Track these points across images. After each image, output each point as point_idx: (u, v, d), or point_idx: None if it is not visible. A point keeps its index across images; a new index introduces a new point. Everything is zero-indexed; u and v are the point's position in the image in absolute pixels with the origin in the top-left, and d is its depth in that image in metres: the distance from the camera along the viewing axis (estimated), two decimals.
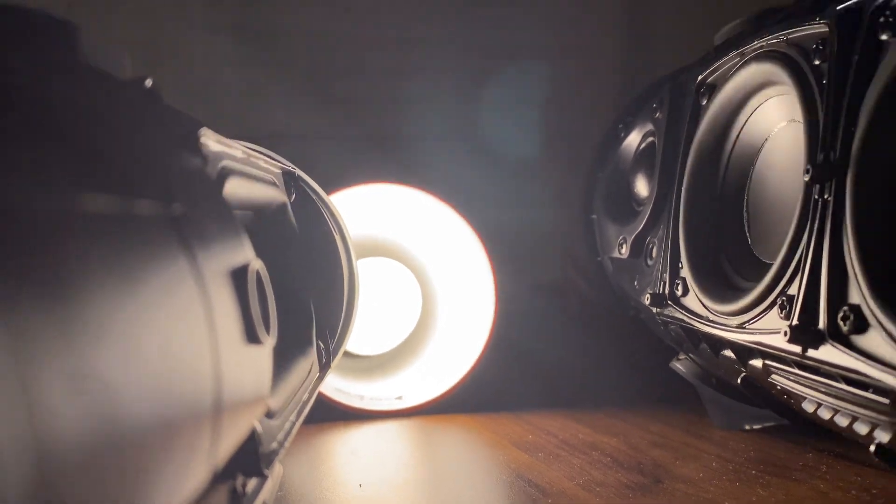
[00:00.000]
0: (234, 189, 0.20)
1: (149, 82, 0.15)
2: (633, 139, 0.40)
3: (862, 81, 0.22)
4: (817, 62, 0.25)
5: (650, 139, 0.38)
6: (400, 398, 0.40)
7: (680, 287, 0.32)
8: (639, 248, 0.37)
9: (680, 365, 0.37)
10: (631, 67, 0.73)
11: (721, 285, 0.30)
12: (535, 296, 0.63)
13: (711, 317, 0.29)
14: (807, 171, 0.23)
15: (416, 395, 0.40)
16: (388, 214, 0.43)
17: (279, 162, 0.32)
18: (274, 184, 0.26)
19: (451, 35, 0.65)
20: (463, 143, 0.67)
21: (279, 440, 0.20)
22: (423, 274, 0.44)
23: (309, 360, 0.27)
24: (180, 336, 0.11)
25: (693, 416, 0.39)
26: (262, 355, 0.15)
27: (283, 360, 0.24)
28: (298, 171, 0.33)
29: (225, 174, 0.19)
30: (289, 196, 0.28)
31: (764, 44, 0.28)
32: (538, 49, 0.65)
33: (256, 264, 0.15)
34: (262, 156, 0.28)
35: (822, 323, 0.22)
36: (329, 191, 0.43)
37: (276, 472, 0.24)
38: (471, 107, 0.67)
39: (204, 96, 0.59)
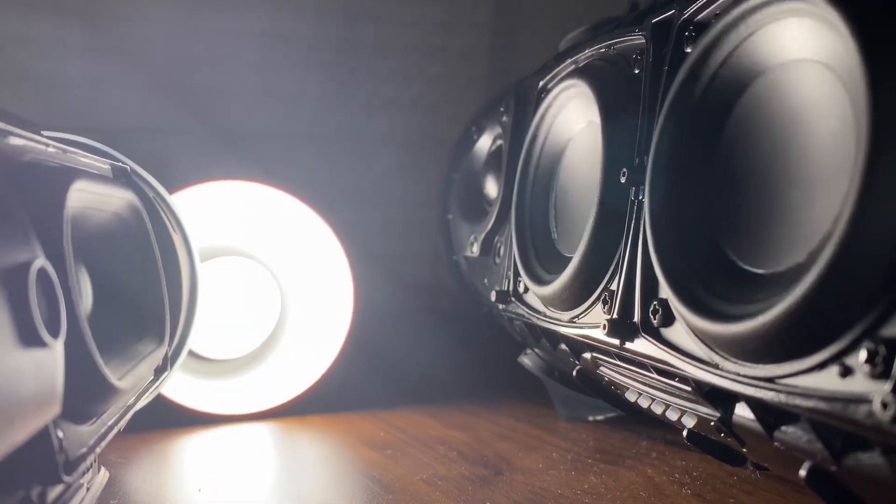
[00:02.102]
0: (45, 185, 0.20)
1: None
2: (485, 141, 0.41)
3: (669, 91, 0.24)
4: (636, 71, 0.27)
5: (499, 142, 0.39)
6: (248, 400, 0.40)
7: (522, 284, 0.33)
8: (488, 246, 0.38)
9: (526, 359, 0.38)
10: (499, 72, 0.75)
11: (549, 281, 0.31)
12: (397, 296, 0.64)
13: (547, 312, 0.31)
14: (623, 174, 0.25)
15: (269, 398, 0.40)
16: (246, 213, 0.43)
17: (112, 158, 0.31)
18: (106, 179, 0.25)
19: (323, 31, 0.64)
20: (328, 142, 0.67)
21: (90, 445, 0.19)
22: (281, 275, 0.43)
23: (140, 364, 0.26)
24: None
25: (541, 408, 0.41)
26: (49, 357, 0.14)
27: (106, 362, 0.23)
28: (133, 166, 0.32)
29: (28, 168, 0.18)
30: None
31: (593, 53, 0.30)
32: (410, 49, 0.66)
33: (40, 263, 0.14)
34: (88, 152, 0.26)
35: (636, 317, 0.24)
36: (179, 187, 0.41)
37: (98, 477, 0.23)
38: (337, 105, 0.66)
39: (50, 86, 0.56)
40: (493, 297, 0.35)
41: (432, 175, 0.74)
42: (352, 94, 0.71)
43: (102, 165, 0.26)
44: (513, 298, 0.34)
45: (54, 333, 0.14)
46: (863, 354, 0.15)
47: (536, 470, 0.31)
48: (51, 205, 0.19)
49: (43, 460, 0.16)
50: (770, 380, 0.18)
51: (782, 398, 0.18)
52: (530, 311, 0.32)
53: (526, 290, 0.33)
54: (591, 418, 0.39)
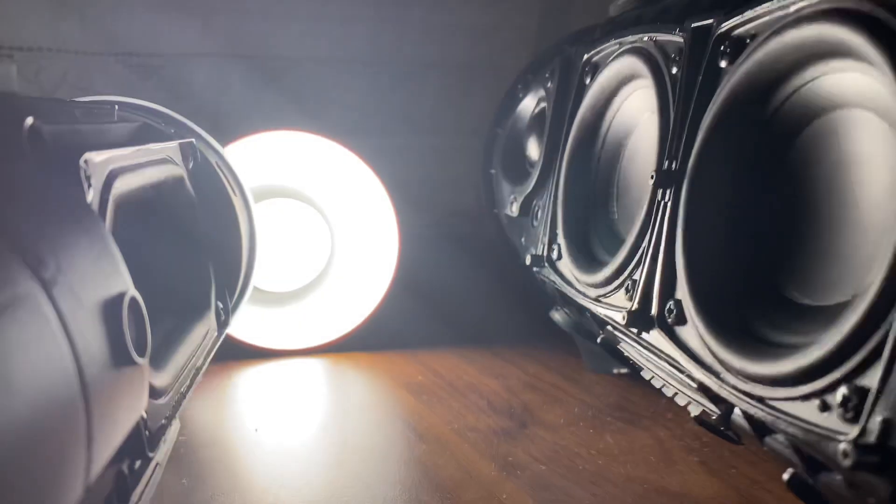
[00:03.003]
0: (125, 185, 0.22)
1: (29, 121, 0.16)
2: (529, 102, 0.42)
3: (703, 102, 0.25)
4: (674, 70, 0.27)
5: (542, 105, 0.40)
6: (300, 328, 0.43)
7: (556, 251, 0.35)
8: (527, 208, 0.39)
9: (557, 315, 0.41)
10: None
11: (587, 256, 0.33)
12: (442, 224, 0.66)
13: (576, 284, 0.33)
14: (652, 177, 0.26)
15: (320, 334, 0.43)
16: (297, 159, 0.45)
17: (180, 127, 0.33)
18: (169, 160, 0.27)
19: None
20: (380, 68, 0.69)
21: (167, 416, 0.22)
22: (329, 215, 0.45)
23: (206, 325, 0.29)
24: (44, 376, 0.13)
25: (570, 357, 0.43)
26: (138, 372, 0.17)
27: (178, 332, 0.26)
28: (198, 131, 0.34)
29: (111, 182, 0.20)
30: (186, 166, 0.30)
31: (636, 40, 0.30)
32: None
33: (131, 293, 0.16)
34: (155, 118, 0.29)
35: (654, 310, 0.26)
36: (229, 140, 0.43)
37: (173, 428, 0.27)
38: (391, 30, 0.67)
39: (114, 13, 0.58)
40: (527, 260, 0.37)
41: (482, 101, 0.75)
42: (405, 19, 0.72)
43: (171, 146, 0.28)
44: (546, 264, 0.36)
45: (141, 353, 0.17)
46: (839, 396, 0.17)
47: (558, 425, 0.34)
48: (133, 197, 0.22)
49: (133, 442, 0.19)
50: (761, 399, 0.20)
51: (769, 418, 0.20)
52: (561, 279, 0.34)
53: (559, 256, 0.35)
54: (615, 371, 0.41)
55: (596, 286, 0.31)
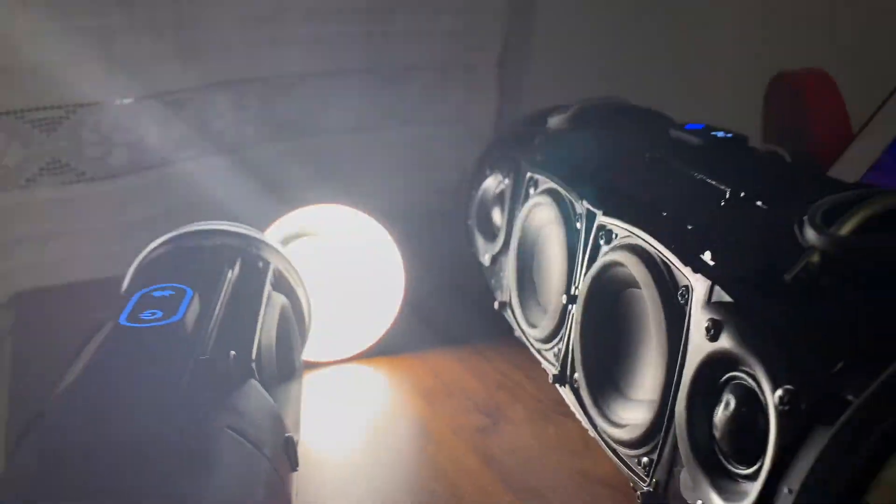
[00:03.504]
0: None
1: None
2: (494, 181, 0.57)
3: (591, 260, 0.40)
4: (578, 225, 0.43)
5: (502, 187, 0.55)
6: None
7: (512, 308, 0.52)
8: (495, 262, 0.55)
9: None
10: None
11: (532, 315, 0.49)
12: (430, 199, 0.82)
13: (528, 334, 0.49)
14: (564, 297, 0.42)
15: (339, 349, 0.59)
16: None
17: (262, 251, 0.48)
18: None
19: None
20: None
21: None
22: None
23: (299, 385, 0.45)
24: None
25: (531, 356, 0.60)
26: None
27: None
28: (267, 242, 0.49)
29: None
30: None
31: (557, 185, 0.46)
32: None
33: (287, 434, 0.33)
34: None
35: (567, 377, 0.43)
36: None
37: None
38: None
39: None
40: (496, 305, 0.54)
41: (458, 93, 0.92)
42: (390, 29, 0.87)
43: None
44: (507, 308, 0.53)
45: (295, 468, 0.33)
46: (644, 461, 0.35)
47: (518, 420, 0.52)
48: None
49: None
50: (615, 451, 0.37)
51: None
52: (518, 327, 0.51)
53: (514, 312, 0.51)
54: None
55: (537, 340, 0.48)
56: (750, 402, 0.26)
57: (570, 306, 0.42)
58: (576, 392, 0.42)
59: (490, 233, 0.56)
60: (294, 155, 0.85)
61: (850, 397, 0.23)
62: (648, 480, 0.34)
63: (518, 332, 0.51)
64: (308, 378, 0.56)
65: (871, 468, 0.22)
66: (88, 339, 0.35)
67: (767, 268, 0.28)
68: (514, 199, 0.51)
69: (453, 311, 0.63)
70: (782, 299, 0.27)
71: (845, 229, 0.27)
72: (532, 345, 0.48)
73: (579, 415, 0.41)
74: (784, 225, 0.29)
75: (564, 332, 0.43)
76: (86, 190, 0.72)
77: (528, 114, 0.57)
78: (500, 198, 0.55)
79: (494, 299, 0.55)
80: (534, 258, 0.49)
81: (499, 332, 0.56)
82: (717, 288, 0.29)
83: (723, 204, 0.33)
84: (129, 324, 0.32)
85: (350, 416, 0.52)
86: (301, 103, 0.86)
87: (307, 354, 0.57)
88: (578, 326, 0.40)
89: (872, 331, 0.24)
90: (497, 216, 0.56)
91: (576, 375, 0.41)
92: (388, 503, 0.43)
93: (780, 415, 0.24)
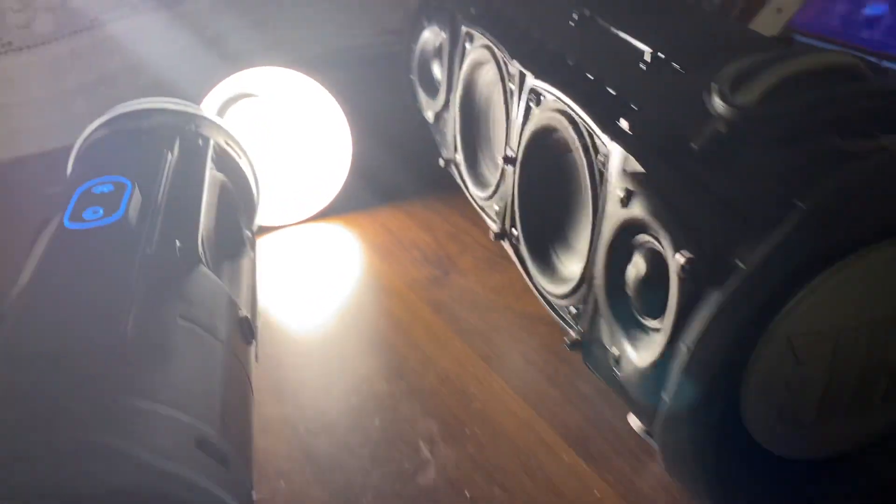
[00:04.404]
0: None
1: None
2: (431, 34, 0.56)
3: (525, 120, 0.41)
4: (511, 87, 0.43)
5: (440, 41, 0.54)
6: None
7: (458, 164, 0.53)
8: (438, 118, 0.56)
9: None
10: None
11: (477, 174, 0.51)
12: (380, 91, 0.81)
13: (471, 191, 0.51)
14: (503, 158, 0.43)
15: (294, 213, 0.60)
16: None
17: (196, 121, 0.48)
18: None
19: None
20: None
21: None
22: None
23: (250, 254, 0.47)
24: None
25: None
26: (251, 345, 0.36)
27: (247, 271, 0.45)
28: (211, 121, 0.49)
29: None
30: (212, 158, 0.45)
31: (493, 42, 0.45)
32: None
33: (243, 313, 0.35)
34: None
35: (508, 230, 0.45)
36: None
37: None
38: None
39: None
40: (441, 162, 0.55)
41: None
42: None
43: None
44: (452, 166, 0.54)
45: (249, 340, 0.36)
46: (573, 311, 0.38)
47: (467, 270, 0.54)
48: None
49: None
50: (549, 302, 0.40)
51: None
52: (463, 184, 0.52)
53: (458, 168, 0.52)
54: None
55: (481, 198, 0.49)
56: (656, 263, 0.29)
57: (507, 166, 0.43)
58: (515, 247, 0.44)
59: (432, 88, 0.56)
60: (230, 5, 0.82)
61: (741, 264, 0.25)
62: (575, 327, 0.37)
63: (463, 187, 0.52)
64: (265, 241, 0.58)
65: (756, 330, 0.25)
66: (36, 236, 0.36)
67: (678, 136, 0.29)
68: (452, 54, 0.51)
69: (402, 166, 0.64)
70: (689, 169, 0.29)
71: (751, 97, 0.28)
72: (475, 202, 0.50)
73: (519, 267, 0.44)
74: (697, 90, 0.30)
75: (504, 190, 0.45)
76: (15, 60, 0.70)
77: None
78: (439, 51, 0.55)
79: (440, 157, 0.56)
80: (474, 116, 0.49)
81: (451, 184, 0.58)
82: (629, 156, 0.31)
83: (642, 66, 0.34)
84: (73, 225, 0.33)
85: (308, 274, 0.55)
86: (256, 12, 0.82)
87: (267, 219, 0.58)
88: (516, 186, 0.42)
89: (772, 199, 0.26)
90: (437, 71, 0.56)
91: (515, 232, 0.43)
92: (347, 355, 0.47)
93: (680, 280, 0.27)
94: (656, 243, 0.29)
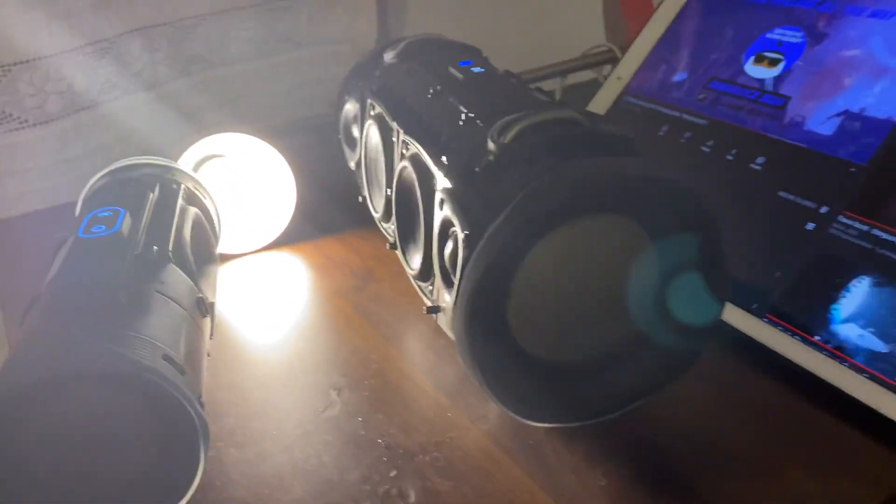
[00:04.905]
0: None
1: None
2: (351, 105, 0.74)
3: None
4: (397, 143, 0.61)
5: (355, 111, 0.72)
6: None
7: (366, 195, 0.70)
8: (358, 167, 0.74)
9: None
10: None
11: (375, 203, 0.68)
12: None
13: (376, 218, 0.68)
14: (386, 192, 0.61)
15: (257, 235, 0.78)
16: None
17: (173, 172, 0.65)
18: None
19: None
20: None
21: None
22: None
23: (214, 269, 0.64)
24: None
25: None
26: (208, 317, 0.53)
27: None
28: (186, 174, 0.67)
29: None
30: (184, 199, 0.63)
31: (380, 112, 0.63)
32: None
33: (198, 294, 0.52)
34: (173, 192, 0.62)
35: (396, 243, 0.62)
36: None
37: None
38: None
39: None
40: (360, 199, 0.72)
41: (344, 16, 1.08)
42: None
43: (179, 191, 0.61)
44: (366, 202, 0.71)
45: (205, 314, 0.52)
46: (428, 288, 0.54)
47: (383, 279, 0.71)
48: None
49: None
50: (414, 278, 0.57)
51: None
52: (371, 212, 0.70)
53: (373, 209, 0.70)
54: None
55: (379, 219, 0.67)
56: (456, 242, 0.46)
57: (392, 196, 0.61)
58: (400, 252, 0.61)
59: (353, 144, 0.74)
60: (204, 86, 1.01)
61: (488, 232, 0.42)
62: (431, 298, 0.54)
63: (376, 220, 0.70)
64: (229, 266, 0.75)
65: (504, 271, 0.42)
66: (58, 249, 0.53)
67: (469, 164, 0.47)
68: (362, 119, 0.69)
69: (338, 206, 0.82)
70: (473, 184, 0.46)
71: (508, 138, 0.46)
72: (380, 225, 0.67)
73: (405, 266, 0.61)
74: (484, 135, 0.48)
75: (391, 214, 0.62)
76: (29, 134, 0.88)
77: (375, 48, 0.73)
78: (355, 117, 0.73)
79: (360, 195, 0.73)
80: (374, 163, 0.67)
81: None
82: (445, 178, 0.48)
83: (460, 122, 0.52)
84: (85, 236, 0.50)
85: (261, 289, 0.71)
86: (205, 41, 1.01)
87: (226, 249, 0.76)
88: (395, 210, 0.59)
89: (508, 196, 0.43)
90: (355, 131, 0.74)
91: (398, 243, 0.61)
92: (286, 339, 0.63)
93: (463, 247, 0.44)
94: (458, 230, 0.46)
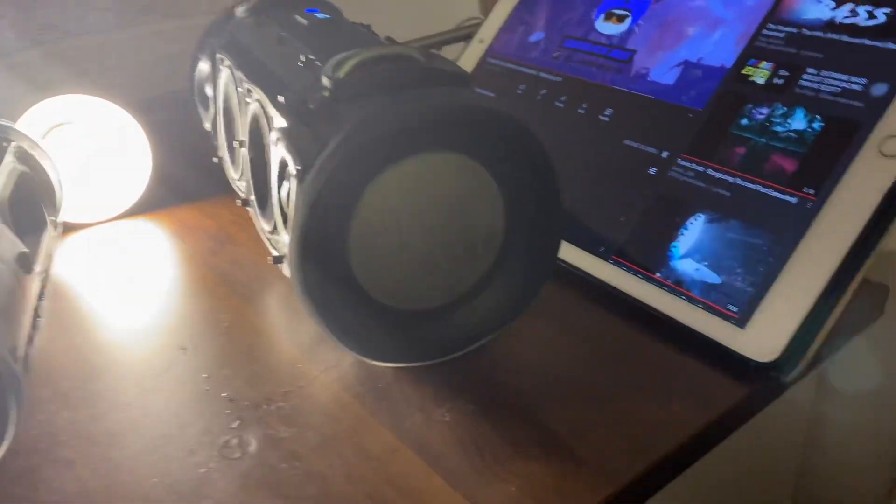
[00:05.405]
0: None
1: None
2: (204, 63, 0.71)
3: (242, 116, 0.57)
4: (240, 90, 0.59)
5: (208, 68, 0.70)
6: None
7: (223, 156, 0.68)
8: (213, 127, 0.71)
9: None
10: None
11: (232, 161, 0.66)
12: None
13: (229, 177, 0.66)
14: (238, 143, 0.59)
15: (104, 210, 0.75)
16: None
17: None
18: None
19: None
20: None
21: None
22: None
23: (52, 234, 0.60)
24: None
25: None
26: (33, 276, 0.49)
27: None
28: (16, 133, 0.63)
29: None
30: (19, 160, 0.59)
31: (231, 64, 0.61)
32: None
33: (20, 249, 0.48)
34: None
35: (248, 199, 0.60)
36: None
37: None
38: None
39: None
40: (215, 160, 0.70)
41: None
42: None
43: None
44: (221, 162, 0.69)
45: (28, 270, 0.49)
46: (273, 243, 0.53)
47: (242, 242, 0.69)
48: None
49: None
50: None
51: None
52: (227, 172, 0.68)
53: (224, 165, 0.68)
54: None
55: (235, 179, 0.65)
56: (291, 181, 0.45)
57: (241, 149, 0.59)
58: (252, 207, 0.59)
59: (206, 103, 0.72)
60: (58, 57, 0.95)
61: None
62: (275, 249, 0.52)
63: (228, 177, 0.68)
64: (82, 235, 0.71)
65: (340, 209, 0.41)
66: None
67: (304, 102, 0.46)
68: (214, 76, 0.67)
69: (197, 173, 0.79)
70: (307, 121, 0.45)
71: (343, 72, 0.45)
72: (234, 184, 0.65)
73: (256, 223, 0.59)
74: (320, 74, 0.47)
75: (243, 167, 0.60)
76: None
77: (228, 6, 0.71)
78: (209, 76, 0.70)
79: (215, 156, 0.71)
80: (225, 119, 0.65)
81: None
82: (281, 118, 0.47)
83: (300, 64, 0.50)
84: None
85: (113, 257, 0.68)
86: (58, 8, 0.95)
87: (79, 218, 0.72)
88: (246, 161, 0.57)
89: (346, 128, 0.42)
90: (209, 90, 0.71)
91: (251, 198, 0.59)
92: (137, 311, 0.60)
93: (296, 182, 0.43)
94: (291, 167, 0.45)
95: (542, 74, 0.71)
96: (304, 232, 0.41)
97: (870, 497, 0.79)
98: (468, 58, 0.79)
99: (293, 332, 0.55)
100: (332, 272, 0.44)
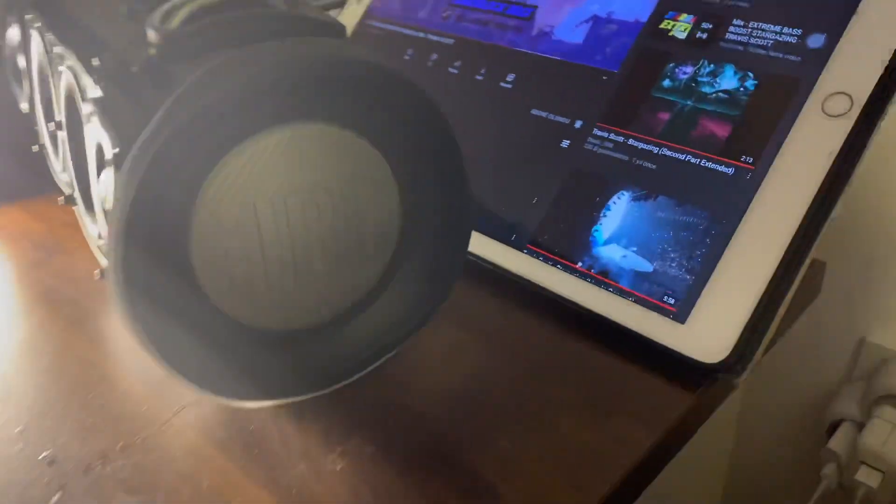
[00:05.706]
0: None
1: None
2: (14, 29, 0.57)
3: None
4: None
5: (18, 34, 0.56)
6: None
7: (45, 144, 0.55)
8: (31, 107, 0.57)
9: None
10: None
11: (57, 152, 0.53)
12: None
13: (53, 170, 0.53)
14: (57, 125, 0.46)
15: None
16: None
17: None
18: None
19: None
20: None
21: None
22: None
23: None
24: None
25: None
26: None
27: None
28: None
29: None
30: None
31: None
32: None
33: None
34: None
35: (74, 197, 0.48)
36: None
37: None
38: None
39: None
40: (35, 148, 0.56)
41: None
42: None
43: None
44: (44, 150, 0.56)
45: None
46: None
47: (74, 249, 0.56)
48: None
49: None
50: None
51: None
52: (48, 161, 0.55)
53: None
54: None
55: (59, 173, 0.52)
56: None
57: (59, 132, 0.46)
58: (79, 208, 0.47)
59: (21, 78, 0.58)
60: None
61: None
62: (105, 258, 0.41)
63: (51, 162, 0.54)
64: None
65: (177, 204, 0.30)
66: None
67: (126, 64, 0.34)
68: (26, 42, 0.53)
69: (22, 168, 0.65)
70: (129, 88, 0.33)
71: (172, 24, 0.34)
72: (55, 177, 0.52)
73: (83, 228, 0.46)
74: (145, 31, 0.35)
75: (65, 156, 0.48)
76: None
77: None
78: (20, 44, 0.57)
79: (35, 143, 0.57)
80: (45, 97, 0.52)
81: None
82: (95, 87, 0.35)
83: (122, 17, 0.39)
84: None
85: None
86: None
87: None
88: (66, 146, 0.45)
89: (175, 93, 0.31)
90: (21, 61, 0.57)
91: (75, 194, 0.46)
92: None
93: (114, 168, 0.31)
94: (107, 149, 0.33)
95: (432, 37, 0.62)
96: (125, 237, 0.29)
97: (797, 483, 0.76)
98: (345, 20, 0.69)
99: (137, 362, 0.44)
100: (171, 288, 0.33)
